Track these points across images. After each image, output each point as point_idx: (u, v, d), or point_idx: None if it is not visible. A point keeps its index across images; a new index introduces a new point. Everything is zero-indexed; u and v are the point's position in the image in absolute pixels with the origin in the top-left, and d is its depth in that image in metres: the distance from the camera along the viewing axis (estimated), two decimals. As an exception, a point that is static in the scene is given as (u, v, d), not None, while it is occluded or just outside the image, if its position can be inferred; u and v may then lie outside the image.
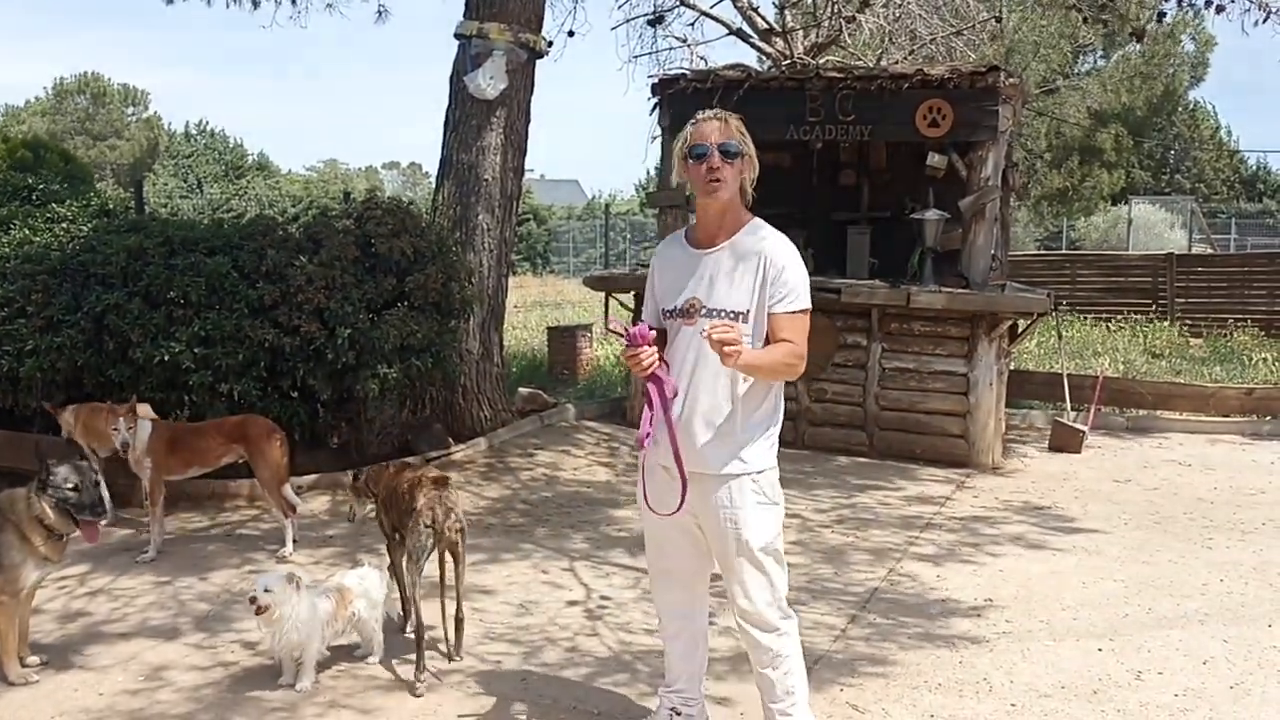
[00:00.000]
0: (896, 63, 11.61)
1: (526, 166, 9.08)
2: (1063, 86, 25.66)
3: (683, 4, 14.17)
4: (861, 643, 4.72)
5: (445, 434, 8.11)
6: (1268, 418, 9.99)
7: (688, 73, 9.50)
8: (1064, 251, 26.49)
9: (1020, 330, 9.21)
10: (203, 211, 21.79)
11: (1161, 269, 18.09)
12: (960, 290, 8.38)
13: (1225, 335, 15.76)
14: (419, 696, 4.12)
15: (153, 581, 5.46)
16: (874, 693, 4.19)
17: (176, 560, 5.79)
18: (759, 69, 10.28)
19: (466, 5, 8.56)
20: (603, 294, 9.88)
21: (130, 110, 53.05)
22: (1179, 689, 4.25)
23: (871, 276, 9.03)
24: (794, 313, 3.33)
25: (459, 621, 4.51)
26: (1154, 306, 17.71)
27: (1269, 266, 17.96)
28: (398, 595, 4.66)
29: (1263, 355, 14.09)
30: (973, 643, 4.73)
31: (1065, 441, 9.05)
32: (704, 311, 3.35)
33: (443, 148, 8.62)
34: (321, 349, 6.80)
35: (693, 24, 14.57)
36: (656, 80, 9.40)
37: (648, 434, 3.32)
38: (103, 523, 4.31)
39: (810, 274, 3.50)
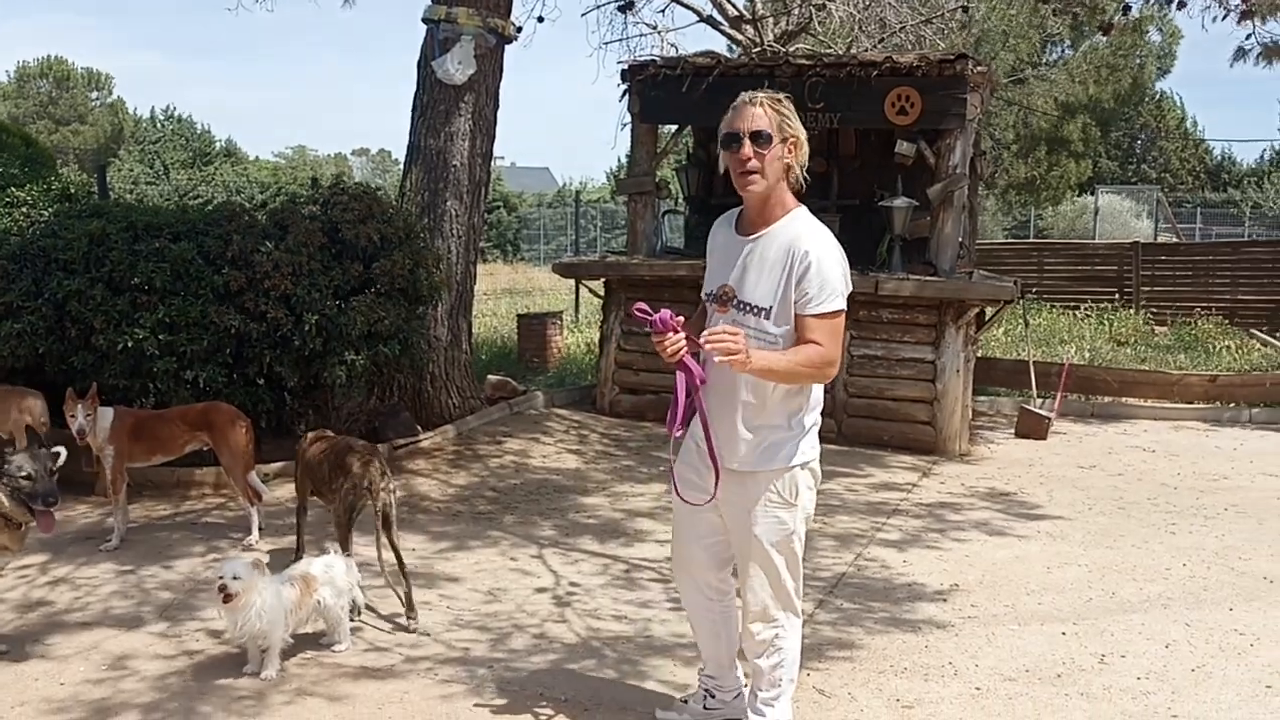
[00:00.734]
0: (866, 51, 11.62)
1: (497, 153, 9.02)
2: (1031, 77, 25.82)
3: (654, -10, 14.16)
4: (828, 627, 4.74)
5: (413, 421, 8.06)
6: (1230, 405, 10.13)
7: (658, 59, 9.47)
8: (1031, 240, 26.68)
9: (988, 318, 9.28)
10: (169, 198, 21.52)
11: (1127, 258, 18.27)
12: (928, 278, 8.43)
13: (1190, 323, 15.92)
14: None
15: (115, 570, 5.40)
16: (840, 677, 4.22)
17: (140, 549, 5.72)
18: (729, 56, 10.28)
19: (435, -11, 8.48)
20: (572, 281, 9.86)
21: (94, 95, 52.38)
22: (1141, 672, 4.30)
23: (840, 264, 9.04)
24: (822, 315, 3.15)
25: (405, 577, 4.68)
26: (1119, 295, 17.89)
27: (1233, 256, 18.23)
28: (363, 583, 4.67)
29: (1226, 343, 14.25)
30: (938, 627, 4.77)
31: (1031, 428, 9.14)
32: (735, 302, 3.26)
33: (410, 133, 8.55)
34: (288, 335, 6.74)
35: (663, 10, 14.62)
36: (626, 67, 9.38)
37: (676, 423, 3.22)
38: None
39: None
